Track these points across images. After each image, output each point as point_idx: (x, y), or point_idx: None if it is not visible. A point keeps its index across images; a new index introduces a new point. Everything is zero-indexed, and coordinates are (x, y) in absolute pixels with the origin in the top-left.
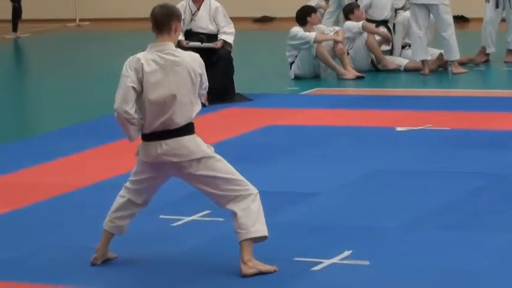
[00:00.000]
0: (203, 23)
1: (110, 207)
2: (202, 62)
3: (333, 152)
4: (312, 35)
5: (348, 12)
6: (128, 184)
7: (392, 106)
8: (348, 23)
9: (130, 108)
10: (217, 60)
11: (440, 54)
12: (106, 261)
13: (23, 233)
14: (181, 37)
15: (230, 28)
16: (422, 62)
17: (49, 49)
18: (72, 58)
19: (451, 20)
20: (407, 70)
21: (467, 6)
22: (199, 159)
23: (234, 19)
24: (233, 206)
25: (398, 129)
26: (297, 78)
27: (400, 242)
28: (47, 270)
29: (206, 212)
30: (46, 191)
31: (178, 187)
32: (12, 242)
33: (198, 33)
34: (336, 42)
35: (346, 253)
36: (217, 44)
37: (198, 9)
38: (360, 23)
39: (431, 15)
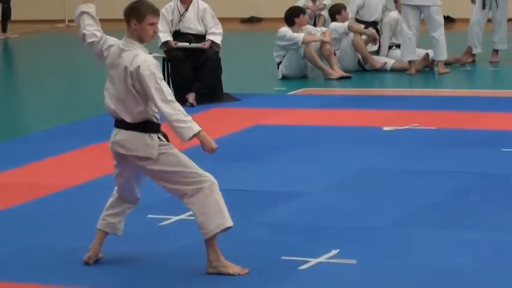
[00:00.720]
0: (191, 24)
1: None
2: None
3: (320, 151)
4: (300, 35)
5: (334, 13)
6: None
7: (379, 106)
8: (334, 24)
9: None
10: (206, 61)
11: (427, 55)
12: (95, 261)
13: (10, 233)
14: (169, 38)
15: (218, 29)
16: (410, 62)
17: (38, 50)
18: (61, 59)
19: (442, 20)
20: (393, 70)
21: (453, 7)
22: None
23: (222, 20)
24: (189, 204)
25: (385, 128)
26: (285, 78)
27: (387, 241)
28: (36, 270)
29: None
30: (33, 191)
31: None
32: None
33: (186, 34)
34: (323, 42)
35: (333, 252)
36: (205, 45)
37: (186, 10)
38: (346, 24)
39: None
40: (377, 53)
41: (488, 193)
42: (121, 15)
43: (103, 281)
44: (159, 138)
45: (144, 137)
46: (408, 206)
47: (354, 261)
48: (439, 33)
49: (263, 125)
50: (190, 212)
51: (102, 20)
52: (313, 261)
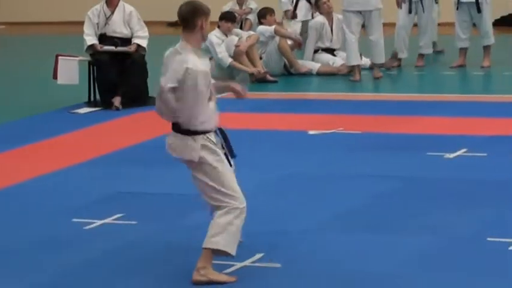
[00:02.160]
0: (117, 27)
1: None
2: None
3: (245, 155)
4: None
5: (261, 17)
6: None
7: (304, 110)
8: (261, 27)
9: None
10: (131, 64)
11: None
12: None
13: None
14: (95, 41)
15: (144, 32)
16: (353, 67)
17: None
18: None
19: (381, 24)
20: (319, 74)
21: None
22: (191, 161)
23: (148, 23)
24: (215, 216)
25: (311, 132)
26: None
27: (311, 244)
28: None
29: (119, 215)
30: None
31: (90, 190)
32: None
33: (112, 38)
34: (236, 47)
35: (258, 256)
36: (131, 48)
37: (112, 13)
38: (272, 27)
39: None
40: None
41: (413, 197)
42: (38, 19)
43: (29, 285)
44: (208, 138)
45: (187, 139)
46: (332, 209)
47: (278, 265)
48: (377, 37)
49: None
50: (116, 216)
51: (29, 23)
52: (238, 265)
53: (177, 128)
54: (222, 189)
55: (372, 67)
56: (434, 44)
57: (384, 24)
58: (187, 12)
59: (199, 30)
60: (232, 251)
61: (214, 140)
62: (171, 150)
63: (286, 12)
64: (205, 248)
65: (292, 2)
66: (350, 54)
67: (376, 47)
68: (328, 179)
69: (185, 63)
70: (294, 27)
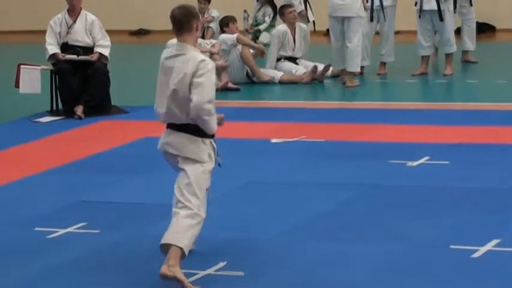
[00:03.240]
0: (79, 36)
1: None
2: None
3: None
4: None
5: (223, 25)
6: None
7: (267, 118)
8: (223, 36)
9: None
10: (93, 73)
11: (314, 67)
12: None
13: None
14: (57, 50)
15: (106, 41)
16: (342, 71)
17: None
18: None
19: (360, 31)
20: (282, 82)
21: None
22: (187, 158)
23: (111, 32)
24: (175, 213)
25: (273, 140)
26: None
27: (274, 252)
28: None
29: (82, 224)
30: None
31: (53, 199)
32: None
33: (74, 46)
34: (211, 54)
35: (221, 264)
36: (93, 57)
37: (74, 22)
38: (235, 36)
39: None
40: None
41: (375, 205)
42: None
43: None
44: (212, 143)
45: (196, 140)
46: (295, 217)
47: (241, 273)
48: (355, 45)
49: (152, 137)
50: (79, 225)
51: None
52: (201, 273)
53: (184, 128)
54: (197, 193)
55: (335, 75)
56: (463, 53)
57: None
58: (182, 15)
59: (195, 32)
60: (184, 245)
61: (215, 147)
62: (170, 147)
63: (300, 13)
64: (170, 244)
65: (300, 2)
66: (335, 59)
67: (352, 54)
68: (291, 187)
69: (199, 57)
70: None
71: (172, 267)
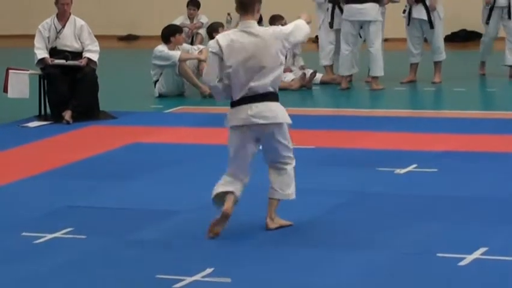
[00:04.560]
0: (68, 41)
1: None
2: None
3: (197, 170)
4: (176, 53)
5: (213, 31)
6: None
7: None
8: (212, 42)
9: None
10: (82, 78)
11: (303, 74)
12: None
13: None
14: (46, 55)
15: (95, 46)
16: (343, 77)
17: None
18: None
19: (380, 35)
20: None
21: None
22: (280, 124)
23: (99, 37)
24: (274, 168)
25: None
26: (162, 96)
27: (262, 258)
28: None
29: (69, 229)
30: None
31: (40, 204)
32: None
33: (63, 51)
34: (199, 61)
35: (208, 270)
36: (82, 62)
37: (63, 27)
38: None
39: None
40: None
41: (362, 212)
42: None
43: None
44: None
45: (279, 105)
46: None
47: (228, 280)
48: (376, 48)
49: (140, 142)
50: (65, 230)
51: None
52: (188, 279)
53: (266, 97)
54: (290, 146)
55: (324, 82)
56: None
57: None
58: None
59: (256, 14)
60: (294, 196)
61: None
62: (261, 118)
63: (323, 20)
64: (272, 199)
65: (328, 9)
66: (342, 64)
67: (374, 59)
68: None
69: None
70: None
71: (275, 219)
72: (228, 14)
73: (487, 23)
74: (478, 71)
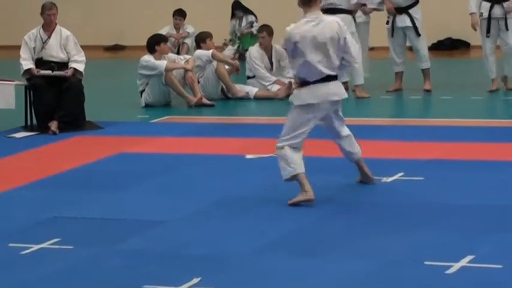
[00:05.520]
0: (54, 52)
1: None
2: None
3: (183, 179)
4: (162, 63)
5: (200, 40)
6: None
7: (241, 134)
8: (198, 52)
9: None
10: (68, 88)
11: (289, 83)
12: None
13: None
14: (32, 65)
15: (81, 56)
16: (357, 85)
17: None
18: None
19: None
20: (256, 98)
21: None
22: (341, 100)
23: (86, 47)
24: (342, 139)
25: (248, 156)
26: (148, 106)
27: (249, 268)
28: None
29: (56, 240)
30: None
31: (26, 215)
32: None
33: (49, 62)
34: (186, 70)
35: (195, 280)
36: (68, 72)
37: (49, 37)
38: (210, 52)
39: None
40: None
41: (349, 220)
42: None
43: None
44: None
45: (339, 83)
46: (269, 233)
47: None
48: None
49: (126, 153)
50: (52, 241)
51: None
52: None
53: (331, 77)
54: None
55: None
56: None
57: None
58: None
59: (319, 3)
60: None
61: None
62: (333, 95)
63: None
64: (360, 159)
65: None
66: (354, 73)
67: (353, 68)
68: (265, 203)
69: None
70: None
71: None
72: (225, 39)
73: (488, 36)
74: (487, 89)
